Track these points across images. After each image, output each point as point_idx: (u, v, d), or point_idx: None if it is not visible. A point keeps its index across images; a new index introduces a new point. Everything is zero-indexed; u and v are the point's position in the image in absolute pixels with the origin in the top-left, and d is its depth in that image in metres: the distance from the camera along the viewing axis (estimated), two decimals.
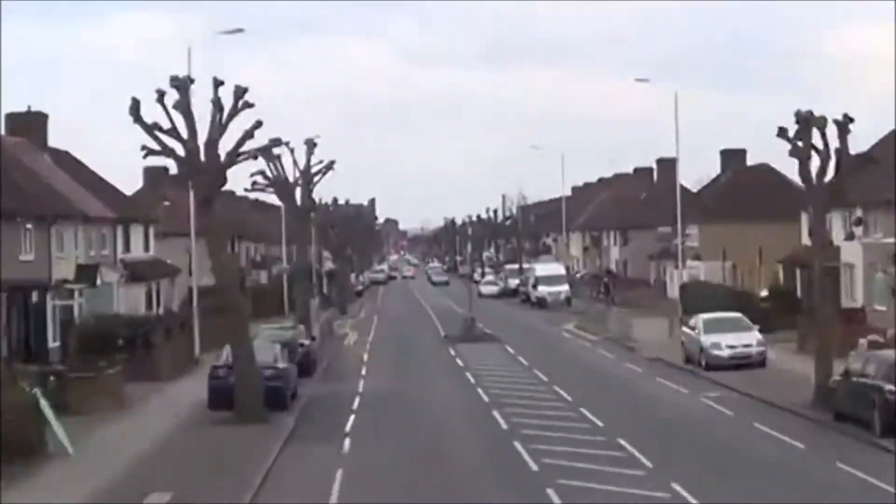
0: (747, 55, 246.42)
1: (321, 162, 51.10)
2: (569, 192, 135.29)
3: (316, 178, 50.90)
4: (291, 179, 50.50)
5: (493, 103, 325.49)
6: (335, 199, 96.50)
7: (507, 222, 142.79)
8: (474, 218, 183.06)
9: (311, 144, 50.53)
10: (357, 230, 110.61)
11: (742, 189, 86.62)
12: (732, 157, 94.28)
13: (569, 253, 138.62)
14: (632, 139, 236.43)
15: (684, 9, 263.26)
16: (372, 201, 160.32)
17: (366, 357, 53.51)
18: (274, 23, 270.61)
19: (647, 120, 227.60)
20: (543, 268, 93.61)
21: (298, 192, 50.97)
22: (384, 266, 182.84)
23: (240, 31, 42.86)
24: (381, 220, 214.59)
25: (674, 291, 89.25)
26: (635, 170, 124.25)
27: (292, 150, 50.39)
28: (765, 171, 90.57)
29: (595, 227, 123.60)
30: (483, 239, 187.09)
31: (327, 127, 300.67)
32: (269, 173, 49.59)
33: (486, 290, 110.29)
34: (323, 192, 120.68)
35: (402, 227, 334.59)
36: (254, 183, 49.66)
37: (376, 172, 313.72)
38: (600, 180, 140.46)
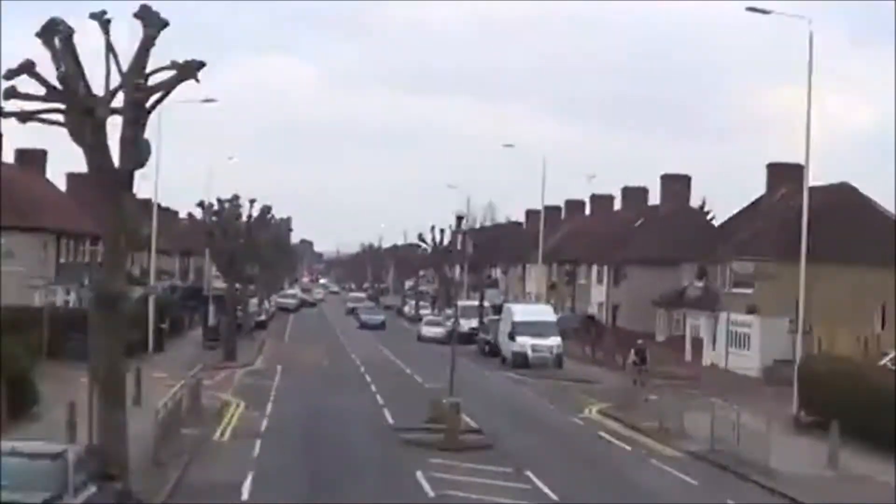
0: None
1: (173, 67, 22.72)
2: (539, 207, 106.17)
3: (156, 95, 22.70)
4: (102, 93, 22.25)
5: (427, 131, 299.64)
6: (235, 197, 67.85)
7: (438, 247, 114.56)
8: (406, 241, 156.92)
9: (148, 18, 22.35)
10: (260, 242, 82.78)
11: (818, 216, 59.53)
12: (784, 174, 67.35)
13: (524, 290, 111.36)
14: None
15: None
16: (287, 220, 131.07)
17: (247, 487, 25.43)
18: (201, 36, 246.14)
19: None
20: (524, 311, 65.64)
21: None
22: (296, 290, 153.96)
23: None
24: (295, 240, 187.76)
25: (715, 357, 62.49)
26: (625, 189, 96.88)
27: (105, 24, 22.23)
28: (846, 191, 64.08)
29: (565, 258, 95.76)
30: (416, 266, 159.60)
31: (246, 144, 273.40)
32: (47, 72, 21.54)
33: (428, 332, 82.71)
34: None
35: (317, 249, 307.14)
36: (8, 91, 21.60)
37: (294, 193, 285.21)
38: (569, 203, 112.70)
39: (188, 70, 23.33)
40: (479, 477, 27.44)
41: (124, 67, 23.00)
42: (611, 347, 63.58)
